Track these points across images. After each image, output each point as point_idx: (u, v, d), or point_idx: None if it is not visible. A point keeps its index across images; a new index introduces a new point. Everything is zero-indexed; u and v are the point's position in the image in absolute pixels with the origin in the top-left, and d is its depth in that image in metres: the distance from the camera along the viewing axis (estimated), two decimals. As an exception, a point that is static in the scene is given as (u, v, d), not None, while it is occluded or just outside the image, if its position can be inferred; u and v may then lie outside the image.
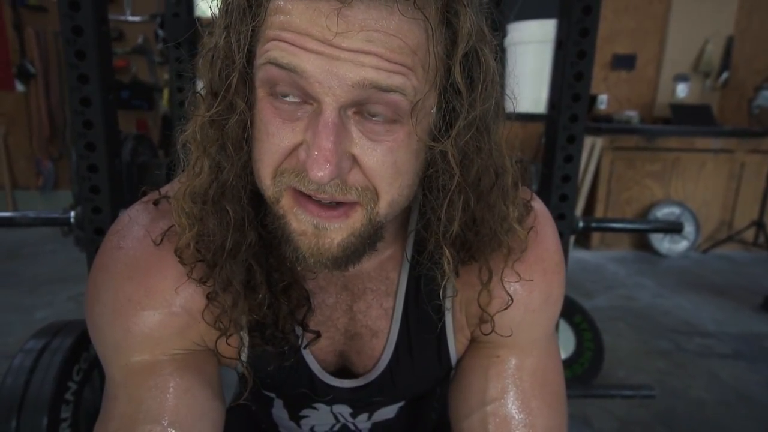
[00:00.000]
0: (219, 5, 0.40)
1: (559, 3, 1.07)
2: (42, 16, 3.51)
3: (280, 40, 0.35)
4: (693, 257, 3.47)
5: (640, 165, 3.45)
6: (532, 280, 0.49)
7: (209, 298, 0.46)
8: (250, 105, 0.40)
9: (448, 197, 0.41)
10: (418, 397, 0.63)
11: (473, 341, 0.55)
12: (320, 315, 0.52)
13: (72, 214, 1.07)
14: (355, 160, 0.37)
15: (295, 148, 0.38)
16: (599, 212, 3.48)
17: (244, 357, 0.51)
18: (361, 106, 0.36)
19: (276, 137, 0.38)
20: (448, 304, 0.51)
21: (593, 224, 1.26)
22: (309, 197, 0.39)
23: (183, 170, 0.45)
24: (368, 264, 0.50)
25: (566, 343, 1.85)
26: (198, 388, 0.47)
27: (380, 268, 0.51)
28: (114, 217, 1.03)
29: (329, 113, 0.35)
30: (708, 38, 3.94)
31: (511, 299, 0.48)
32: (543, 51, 1.24)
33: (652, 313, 2.53)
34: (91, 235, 1.05)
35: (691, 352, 2.14)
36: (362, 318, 0.52)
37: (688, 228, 3.44)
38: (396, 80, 0.35)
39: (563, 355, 1.83)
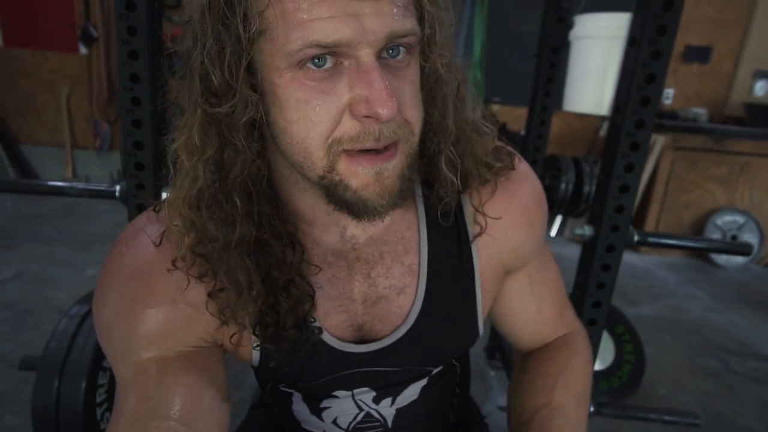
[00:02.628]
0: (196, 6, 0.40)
1: (636, -5, 0.97)
2: (106, -20, 3.60)
3: (314, 21, 0.36)
4: (754, 271, 3.24)
5: (703, 167, 3.21)
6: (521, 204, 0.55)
7: (210, 295, 0.47)
8: (262, 94, 0.41)
9: (445, 106, 0.47)
10: (440, 376, 0.62)
11: (505, 279, 0.60)
12: (332, 290, 0.52)
13: (117, 188, 1.09)
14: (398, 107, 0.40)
15: (341, 113, 0.40)
16: (653, 213, 3.29)
17: (256, 354, 0.52)
18: (384, 51, 0.40)
19: (323, 108, 0.39)
20: (472, 236, 0.54)
21: (649, 239, 1.17)
22: (362, 154, 0.41)
23: (173, 179, 0.46)
24: (379, 229, 0.52)
25: (605, 354, 1.77)
26: (205, 385, 0.49)
27: (392, 231, 0.53)
28: (157, 194, 1.04)
29: (371, 61, 0.38)
30: (798, 32, 3.58)
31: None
32: (611, 47, 1.14)
33: (701, 328, 2.38)
34: (134, 210, 1.07)
35: (742, 375, 2.00)
36: (384, 280, 0.53)
37: (752, 239, 3.20)
38: (408, 24, 0.40)
39: (600, 366, 1.76)
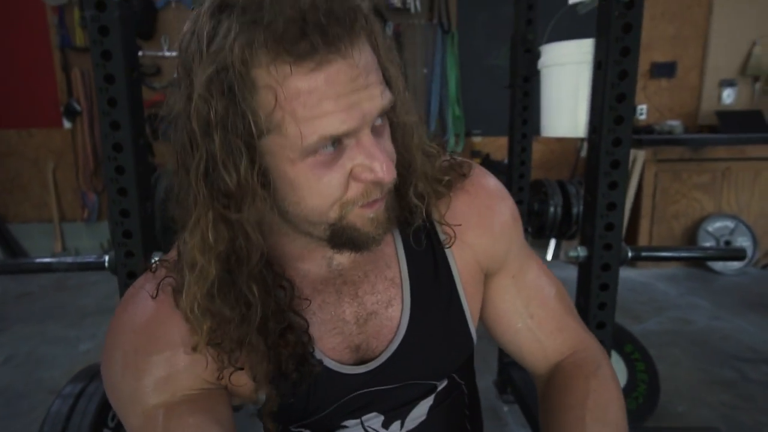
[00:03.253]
0: (198, 110, 0.42)
1: (597, 21, 1.02)
2: (87, 57, 3.69)
3: (324, 116, 0.40)
4: (752, 274, 3.24)
5: (686, 177, 3.27)
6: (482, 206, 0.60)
7: (209, 344, 0.49)
8: (270, 178, 0.45)
9: (411, 150, 0.52)
10: (446, 394, 0.62)
11: (489, 283, 0.63)
12: (324, 315, 0.55)
13: (106, 258, 1.07)
14: None
15: (348, 180, 0.45)
16: (644, 227, 3.31)
17: (262, 394, 0.53)
18: None
19: (333, 181, 0.44)
20: (444, 239, 0.57)
21: (643, 253, 1.17)
22: (367, 205, 0.47)
23: (186, 275, 0.48)
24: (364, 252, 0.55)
25: (618, 375, 1.73)
26: (211, 425, 0.50)
27: (374, 250, 0.55)
28: (147, 260, 1.03)
29: (369, 137, 0.44)
30: (756, 40, 3.74)
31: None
32: (579, 72, 1.18)
33: (710, 338, 2.35)
34: (123, 279, 1.05)
35: (759, 383, 1.96)
36: (371, 297, 0.56)
37: (745, 242, 3.22)
38: (389, 96, 0.45)
39: (615, 388, 1.71)
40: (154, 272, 0.52)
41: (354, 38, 0.41)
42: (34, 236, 3.92)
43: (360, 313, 0.56)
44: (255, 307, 0.47)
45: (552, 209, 1.76)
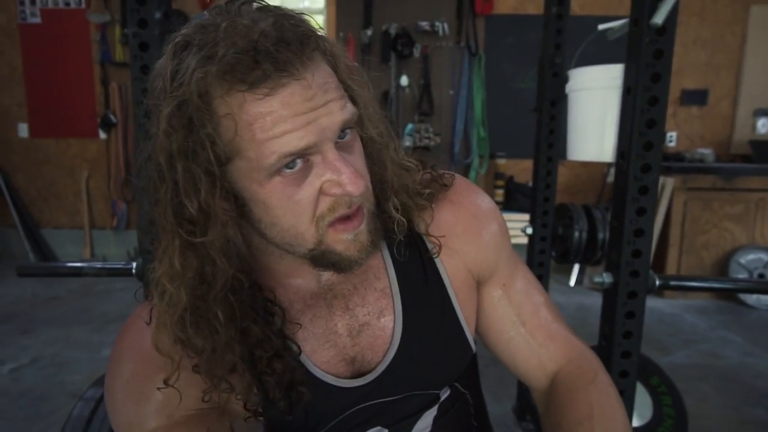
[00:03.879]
0: (162, 145, 0.44)
1: (627, 47, 1.01)
2: (125, 71, 3.85)
3: (282, 135, 0.42)
4: (787, 309, 3.11)
5: (718, 207, 3.18)
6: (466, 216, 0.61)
7: (196, 369, 0.49)
8: (243, 200, 0.47)
9: (378, 160, 0.54)
10: (449, 404, 0.62)
11: (479, 291, 0.63)
12: (315, 328, 0.56)
13: (134, 265, 1.10)
14: None
15: (318, 196, 0.46)
16: (672, 257, 3.22)
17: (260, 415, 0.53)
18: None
19: (303, 199, 0.46)
20: (432, 249, 0.58)
21: (671, 282, 1.14)
22: (340, 222, 0.48)
23: (157, 304, 0.49)
24: None
25: (642, 408, 1.67)
26: None
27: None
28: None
29: (333, 152, 0.45)
30: (791, 70, 3.66)
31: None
32: (607, 97, 1.17)
33: (742, 375, 2.25)
34: (149, 285, 1.07)
35: (794, 425, 1.86)
36: (362, 308, 0.57)
37: (780, 277, 3.09)
38: (351, 110, 0.46)
39: (639, 423, 1.64)
40: (150, 300, 0.53)
41: (306, 61, 0.43)
42: (64, 242, 4.05)
43: (352, 325, 0.56)
44: (221, 335, 0.47)
45: (577, 234, 1.73)
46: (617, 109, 1.05)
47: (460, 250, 0.60)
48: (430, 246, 0.59)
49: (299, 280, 0.55)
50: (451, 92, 3.90)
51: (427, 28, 3.74)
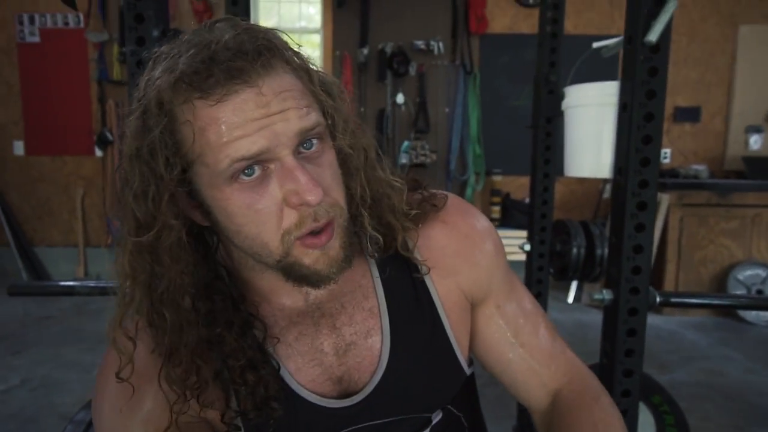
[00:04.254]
0: (126, 149, 0.47)
1: (623, 64, 1.02)
2: (123, 89, 3.87)
3: (234, 141, 0.43)
4: (786, 325, 3.09)
5: (714, 222, 3.19)
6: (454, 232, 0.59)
7: (167, 379, 0.50)
8: (208, 208, 0.48)
9: (358, 176, 0.53)
10: (442, 427, 0.60)
11: (475, 313, 0.62)
12: (301, 346, 0.55)
13: (127, 283, 1.08)
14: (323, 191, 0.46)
15: (281, 208, 0.46)
16: (670, 273, 3.21)
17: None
18: (299, 147, 0.46)
19: (264, 208, 0.46)
20: (422, 269, 0.57)
21: (672, 299, 1.13)
22: (309, 235, 0.47)
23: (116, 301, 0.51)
24: (337, 284, 0.54)
25: (644, 428, 1.64)
26: None
27: (350, 282, 0.57)
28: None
29: (290, 159, 0.45)
30: (781, 87, 3.72)
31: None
32: (603, 114, 1.18)
33: (744, 393, 2.23)
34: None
35: (798, 444, 1.84)
36: (349, 328, 0.56)
37: (777, 292, 3.09)
38: (312, 118, 0.46)
39: (641, 443, 1.61)
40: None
41: (260, 69, 0.44)
42: (58, 261, 4.01)
43: (339, 344, 0.55)
44: (178, 339, 0.48)
45: (575, 250, 1.72)
46: (613, 125, 1.05)
47: (452, 270, 0.59)
48: (420, 266, 0.57)
49: (285, 299, 0.55)
50: (447, 110, 3.93)
51: (423, 46, 3.79)
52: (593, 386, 0.63)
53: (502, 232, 4.34)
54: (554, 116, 1.56)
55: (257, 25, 0.48)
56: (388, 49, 3.79)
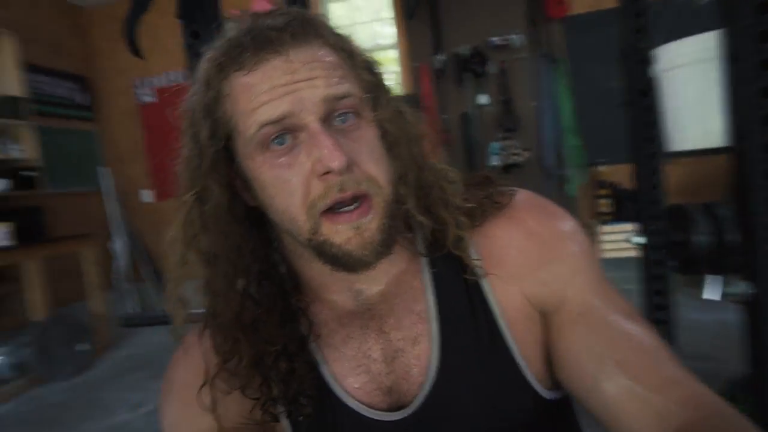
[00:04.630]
0: (184, 123, 0.50)
1: (722, 8, 0.85)
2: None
3: (260, 106, 0.44)
4: None
5: None
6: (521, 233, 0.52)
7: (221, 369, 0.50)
8: (247, 181, 0.49)
9: (406, 161, 0.50)
10: None
11: (551, 325, 0.52)
12: (348, 350, 0.52)
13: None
14: (352, 161, 0.45)
15: (309, 180, 0.45)
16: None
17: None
18: (331, 118, 0.46)
19: (292, 179, 0.45)
20: (477, 271, 0.51)
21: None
22: (339, 213, 0.45)
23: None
24: (389, 283, 0.53)
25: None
26: None
27: (402, 283, 0.53)
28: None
29: (316, 126, 0.44)
30: None
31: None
32: (704, 72, 0.99)
33: None
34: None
35: None
36: (397, 332, 0.52)
37: None
38: (343, 88, 0.46)
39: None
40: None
41: (293, 40, 0.45)
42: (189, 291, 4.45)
43: (387, 350, 0.52)
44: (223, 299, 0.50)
45: (699, 238, 1.47)
46: (721, 83, 0.87)
47: (515, 274, 0.51)
48: (477, 269, 0.51)
49: (336, 296, 0.53)
50: (534, 104, 3.71)
51: (500, 42, 3.64)
52: (737, 417, 0.43)
53: (616, 227, 3.92)
54: (649, 88, 1.36)
55: (301, 9, 0.50)
56: (465, 52, 3.70)
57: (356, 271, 0.47)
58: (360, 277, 0.51)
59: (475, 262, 0.51)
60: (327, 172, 0.44)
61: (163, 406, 0.55)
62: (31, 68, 4.17)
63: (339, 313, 0.53)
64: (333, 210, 0.45)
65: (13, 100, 3.91)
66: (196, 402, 0.50)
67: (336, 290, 0.53)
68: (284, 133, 0.45)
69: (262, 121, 0.44)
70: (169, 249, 0.51)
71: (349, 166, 0.44)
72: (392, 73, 3.97)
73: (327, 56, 0.46)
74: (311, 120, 0.44)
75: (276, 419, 0.51)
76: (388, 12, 4.18)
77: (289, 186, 0.45)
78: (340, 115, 0.46)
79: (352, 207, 0.45)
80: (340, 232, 0.45)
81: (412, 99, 3.51)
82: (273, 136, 0.44)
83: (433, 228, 0.51)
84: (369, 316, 0.53)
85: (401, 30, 3.93)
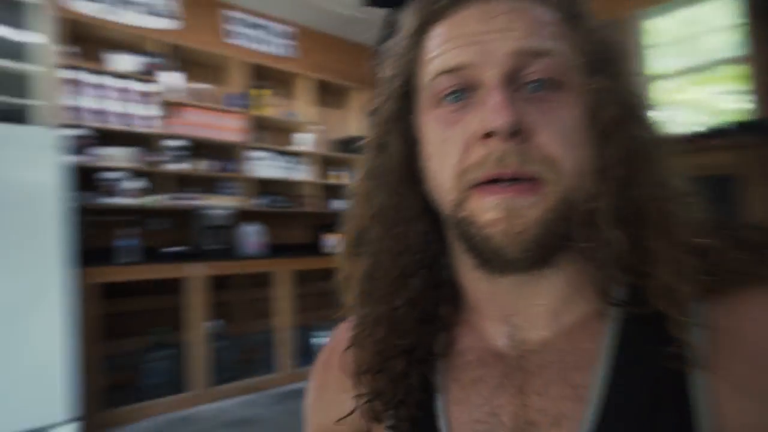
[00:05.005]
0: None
1: None
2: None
3: (442, 54, 0.41)
4: None
5: None
6: None
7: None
8: (411, 142, 0.45)
9: (620, 158, 0.39)
10: None
11: None
12: (475, 396, 0.43)
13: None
14: (528, 133, 0.38)
15: (470, 143, 0.39)
16: None
17: None
18: (521, 81, 0.39)
19: (452, 138, 0.40)
20: (693, 358, 0.35)
21: None
22: (491, 185, 0.38)
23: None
24: (556, 334, 0.42)
25: None
26: None
27: (569, 338, 0.41)
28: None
29: (494, 80, 0.38)
30: None
31: None
32: None
33: None
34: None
35: None
36: (537, 399, 0.40)
37: None
38: (545, 44, 0.39)
39: None
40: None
41: None
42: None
43: (519, 417, 0.40)
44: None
45: None
46: None
47: (761, 385, 0.34)
48: (694, 352, 0.35)
49: (488, 326, 0.45)
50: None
51: None
52: None
53: None
54: None
55: None
56: None
57: (498, 271, 0.40)
58: (521, 310, 0.42)
59: (695, 340, 0.35)
60: (489, 135, 0.37)
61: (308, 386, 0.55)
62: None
63: (484, 347, 0.45)
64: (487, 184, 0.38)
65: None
66: (330, 384, 0.51)
67: (490, 316, 0.45)
68: (460, 89, 0.40)
69: (438, 69, 0.41)
70: (351, 206, 0.49)
71: (522, 136, 0.37)
72: (738, 93, 2.88)
73: (539, 14, 0.40)
74: (492, 75, 0.38)
75: (377, 419, 0.45)
76: (732, 19, 3.13)
77: (446, 146, 0.41)
78: (533, 82, 0.39)
79: (510, 183, 0.37)
80: (486, 210, 0.38)
81: (761, 125, 2.50)
82: (447, 90, 0.40)
83: (637, 266, 0.37)
84: (516, 365, 0.42)
85: (753, 39, 2.87)
